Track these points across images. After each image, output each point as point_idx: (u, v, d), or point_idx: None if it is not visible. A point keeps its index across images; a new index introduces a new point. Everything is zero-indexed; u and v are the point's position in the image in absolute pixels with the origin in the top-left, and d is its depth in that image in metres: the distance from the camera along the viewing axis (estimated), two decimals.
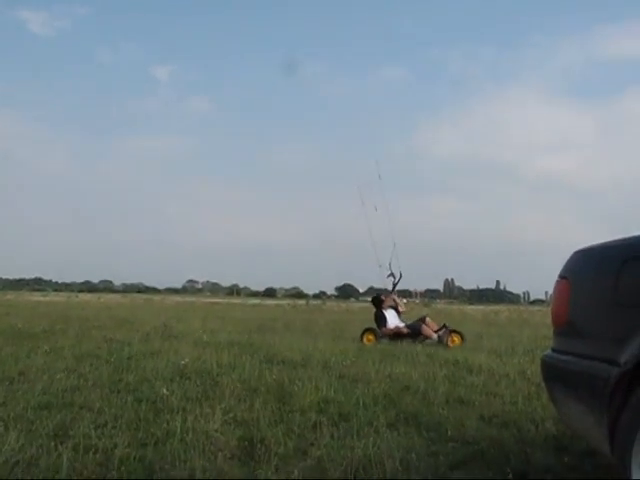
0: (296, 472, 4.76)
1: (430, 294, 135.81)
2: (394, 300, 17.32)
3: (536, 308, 67.84)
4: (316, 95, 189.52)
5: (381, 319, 16.54)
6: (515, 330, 22.64)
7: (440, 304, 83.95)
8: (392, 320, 16.60)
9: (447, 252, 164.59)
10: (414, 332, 15.98)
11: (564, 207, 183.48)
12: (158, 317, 24.16)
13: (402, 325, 16.49)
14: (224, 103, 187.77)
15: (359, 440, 5.68)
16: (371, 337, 16.16)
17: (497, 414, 7.12)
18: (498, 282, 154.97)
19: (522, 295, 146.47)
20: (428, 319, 16.59)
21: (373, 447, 5.38)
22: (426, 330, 15.99)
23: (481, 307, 67.83)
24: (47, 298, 59.92)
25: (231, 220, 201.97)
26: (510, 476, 4.77)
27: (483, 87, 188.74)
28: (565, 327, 4.47)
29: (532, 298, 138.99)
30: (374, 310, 17.07)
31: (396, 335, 15.98)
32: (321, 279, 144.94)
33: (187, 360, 10.14)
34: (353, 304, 67.46)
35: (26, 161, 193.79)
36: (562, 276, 4.50)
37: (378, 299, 17.17)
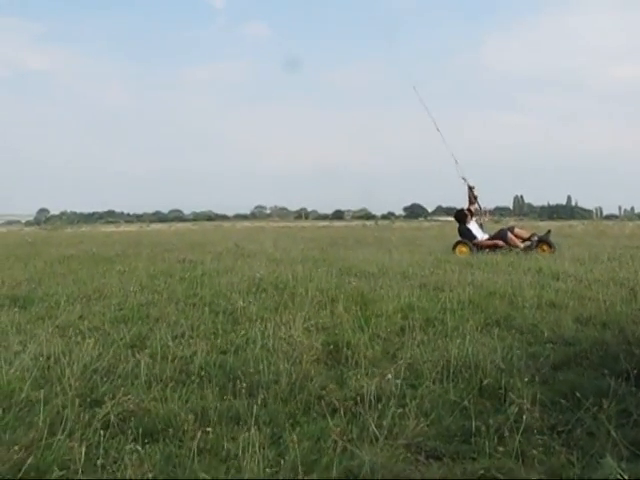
0: (389, 375, 4.43)
1: (499, 212, 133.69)
2: (472, 210, 16.79)
3: (610, 222, 65.96)
4: (377, 9, 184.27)
5: (469, 232, 16.16)
6: (594, 240, 21.79)
7: (510, 221, 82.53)
8: (477, 233, 16.23)
9: (516, 168, 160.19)
10: (504, 241, 15.54)
11: (634, 118, 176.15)
12: (229, 239, 24.14)
13: (486, 237, 16.13)
14: (282, 27, 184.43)
15: (451, 342, 5.33)
16: (464, 249, 15.71)
17: (594, 316, 6.68)
18: (569, 197, 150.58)
19: (594, 211, 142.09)
20: (517, 229, 16.24)
21: (468, 347, 5.02)
22: (512, 239, 15.60)
23: (553, 223, 66.32)
24: (119, 229, 61.07)
25: (296, 144, 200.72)
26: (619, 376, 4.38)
27: None
28: None
29: (605, 213, 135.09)
30: (457, 225, 16.65)
31: (489, 247, 15.53)
32: (389, 200, 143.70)
33: (262, 274, 9.92)
34: (422, 223, 66.87)
35: (86, 96, 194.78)
36: None
37: (462, 213, 16.67)
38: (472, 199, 17.16)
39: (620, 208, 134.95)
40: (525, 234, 16.03)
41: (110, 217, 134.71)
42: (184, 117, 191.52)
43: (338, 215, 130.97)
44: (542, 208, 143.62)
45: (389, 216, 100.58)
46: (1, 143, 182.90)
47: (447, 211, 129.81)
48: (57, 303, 7.96)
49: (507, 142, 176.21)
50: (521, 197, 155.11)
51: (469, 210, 16.73)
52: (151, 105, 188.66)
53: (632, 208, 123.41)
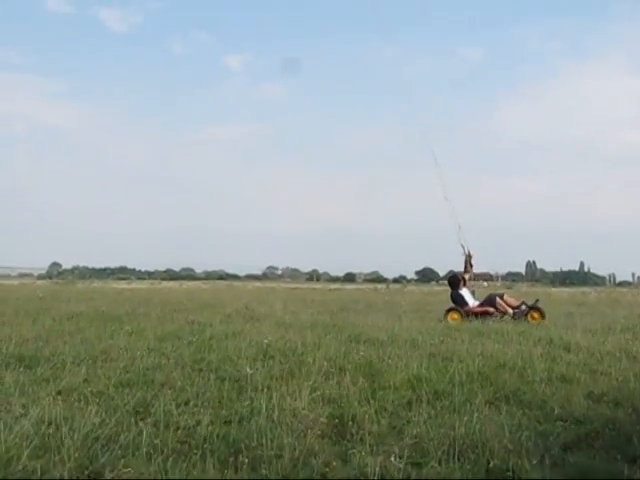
0: (396, 451, 4.34)
1: (512, 277, 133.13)
2: (466, 277, 17.09)
3: (624, 289, 65.48)
4: (393, 77, 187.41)
5: (461, 299, 16.30)
6: (607, 309, 21.60)
7: (523, 287, 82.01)
8: (469, 299, 16.39)
9: (528, 234, 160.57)
10: (493, 306, 15.78)
11: None
12: (239, 300, 24.08)
13: (477, 303, 16.27)
14: (298, 89, 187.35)
15: (459, 418, 5.23)
16: (456, 316, 15.76)
17: (606, 392, 6.55)
18: (582, 263, 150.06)
19: (608, 277, 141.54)
20: (506, 296, 16.38)
21: (476, 425, 4.91)
22: (501, 305, 15.81)
23: (566, 289, 65.86)
24: (131, 285, 61.15)
25: (310, 205, 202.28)
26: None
27: (563, 63, 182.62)
28: None
29: (618, 280, 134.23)
30: (450, 291, 16.84)
31: (479, 313, 15.66)
32: (401, 263, 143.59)
33: (270, 339, 9.84)
34: (434, 287, 66.59)
35: (102, 152, 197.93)
36: None
37: (455, 279, 16.91)
38: (468, 266, 17.42)
39: (634, 275, 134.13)
40: (514, 302, 16.18)
41: (122, 273, 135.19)
42: (199, 175, 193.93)
43: (350, 277, 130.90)
44: (555, 274, 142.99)
45: (400, 279, 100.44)
46: (16, 196, 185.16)
47: (454, 273, 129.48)
48: (63, 364, 7.91)
49: (520, 207, 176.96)
50: (533, 262, 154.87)
51: (463, 277, 16.97)
52: (167, 163, 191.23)
53: None
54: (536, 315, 15.59)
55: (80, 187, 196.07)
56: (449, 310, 16.08)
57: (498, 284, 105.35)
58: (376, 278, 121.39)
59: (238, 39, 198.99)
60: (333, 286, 67.26)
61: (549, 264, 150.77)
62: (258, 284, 77.05)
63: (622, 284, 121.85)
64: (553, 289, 67.94)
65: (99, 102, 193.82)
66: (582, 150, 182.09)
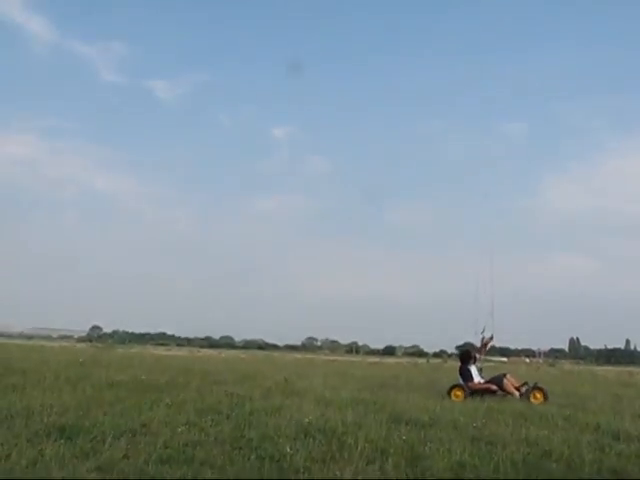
0: None
1: (554, 354, 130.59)
2: (477, 356, 17.43)
3: None
4: (435, 152, 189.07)
5: (468, 374, 16.52)
6: None
7: (566, 364, 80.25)
8: (475, 376, 16.62)
9: (572, 310, 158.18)
10: (499, 387, 16.01)
11: None
12: (279, 372, 23.93)
13: (483, 381, 16.52)
14: (343, 163, 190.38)
15: None
16: (459, 393, 15.99)
17: None
18: (628, 341, 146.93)
19: None
20: (509, 375, 16.56)
21: None
22: (508, 386, 16.00)
23: (610, 368, 64.30)
24: (170, 352, 61.28)
25: (350, 277, 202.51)
26: None
27: (607, 138, 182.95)
28: None
29: None
30: (459, 365, 17.12)
31: (482, 391, 15.96)
32: (441, 337, 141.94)
33: (310, 418, 9.72)
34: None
35: (153, 222, 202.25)
36: None
37: (467, 355, 17.17)
38: (484, 347, 17.83)
39: None
40: (516, 382, 16.31)
41: (161, 339, 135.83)
42: (243, 244, 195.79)
43: (389, 351, 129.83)
44: (599, 351, 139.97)
45: (441, 354, 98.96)
46: (63, 259, 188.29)
47: (500, 352, 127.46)
48: (103, 436, 7.88)
49: (565, 283, 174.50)
50: (577, 339, 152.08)
51: (474, 354, 17.25)
52: (212, 232, 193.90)
53: None
54: (538, 395, 15.68)
55: (125, 253, 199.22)
56: (453, 387, 16.29)
57: (540, 360, 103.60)
58: (416, 352, 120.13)
59: (283, 111, 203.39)
60: (372, 359, 66.61)
61: (593, 341, 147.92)
62: (297, 355, 76.67)
63: None
64: (597, 367, 66.33)
65: (147, 170, 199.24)
66: (629, 227, 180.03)
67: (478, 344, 17.95)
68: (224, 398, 13.10)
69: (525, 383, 16.29)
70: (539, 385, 16.26)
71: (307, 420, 9.49)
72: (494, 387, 16.07)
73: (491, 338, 17.74)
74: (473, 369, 16.70)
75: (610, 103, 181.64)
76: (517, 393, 15.89)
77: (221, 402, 12.23)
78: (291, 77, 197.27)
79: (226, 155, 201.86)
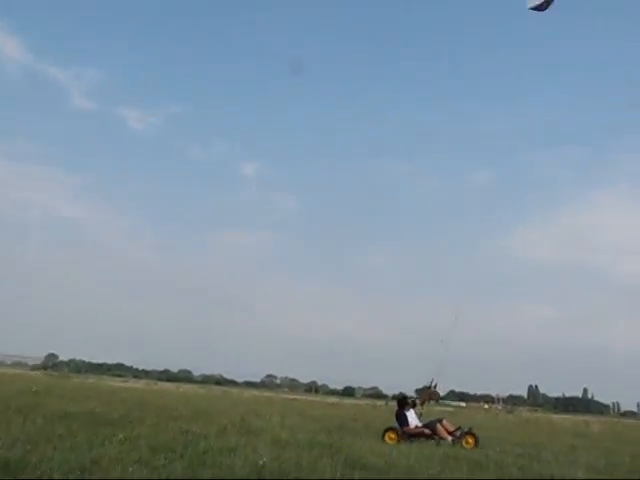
0: None
1: (513, 400, 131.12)
2: (417, 402, 18.12)
3: (629, 421, 64.21)
4: (405, 197, 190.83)
5: (404, 418, 17.06)
6: (611, 444, 21.05)
7: (524, 411, 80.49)
8: (412, 420, 17.11)
9: (533, 358, 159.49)
10: (433, 431, 16.55)
11: None
12: (236, 410, 23.64)
13: (420, 425, 17.01)
14: (312, 202, 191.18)
15: None
16: (393, 436, 16.51)
17: None
18: (585, 390, 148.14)
19: (611, 405, 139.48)
20: (444, 421, 17.03)
21: None
22: (441, 431, 16.54)
23: (568, 416, 64.63)
24: (127, 384, 60.32)
25: (313, 316, 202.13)
26: None
27: (572, 190, 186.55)
28: None
29: (622, 409, 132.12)
30: (397, 409, 17.69)
31: (416, 435, 16.55)
32: (401, 380, 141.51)
33: (265, 459, 9.55)
34: (433, 407, 65.28)
35: (118, 250, 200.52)
36: None
37: (404, 401, 17.76)
38: (425, 397, 18.66)
39: (638, 405, 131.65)
40: (451, 427, 16.80)
41: (119, 370, 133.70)
42: (206, 278, 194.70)
43: (349, 391, 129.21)
44: (557, 399, 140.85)
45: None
46: (22, 283, 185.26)
47: (460, 396, 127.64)
48: (50, 473, 7.65)
49: (525, 330, 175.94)
50: (536, 387, 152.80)
51: (414, 401, 17.99)
52: (176, 264, 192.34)
53: None
54: (470, 440, 16.20)
55: (88, 280, 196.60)
56: (387, 430, 16.85)
57: (499, 407, 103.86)
58: (375, 394, 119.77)
59: (254, 147, 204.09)
60: (331, 400, 66.20)
61: (552, 389, 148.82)
62: (256, 392, 76.00)
63: (626, 414, 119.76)
64: (555, 416, 66.54)
65: (116, 199, 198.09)
66: (591, 277, 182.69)
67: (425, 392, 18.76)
68: (179, 435, 12.85)
69: (459, 428, 16.86)
70: (472, 431, 16.71)
71: (261, 462, 9.32)
72: (428, 431, 16.61)
73: (434, 392, 18.85)
74: (410, 414, 17.31)
75: (577, 156, 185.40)
76: (450, 438, 16.37)
77: (175, 439, 11.99)
78: (263, 115, 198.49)
79: (195, 188, 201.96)
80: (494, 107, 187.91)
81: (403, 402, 17.67)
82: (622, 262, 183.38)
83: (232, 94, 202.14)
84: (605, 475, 11.86)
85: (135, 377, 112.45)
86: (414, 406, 17.75)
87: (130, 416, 16.11)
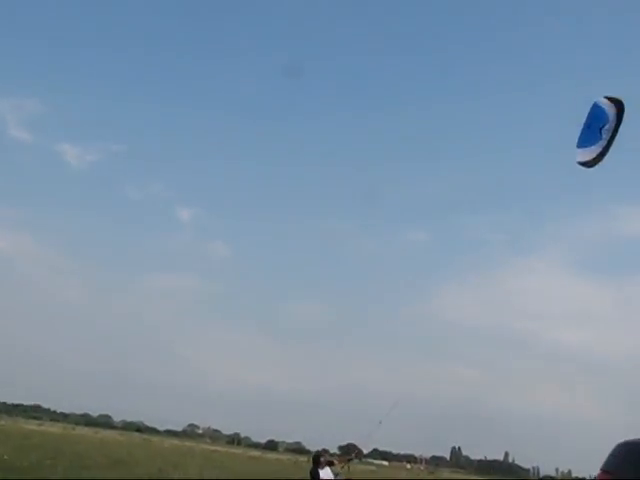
0: None
1: (435, 461, 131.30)
2: (335, 462, 18.14)
3: None
4: (338, 252, 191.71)
5: (316, 476, 16.92)
6: None
7: (445, 472, 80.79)
8: (326, 477, 17.03)
9: (455, 419, 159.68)
10: None
11: (577, 381, 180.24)
12: (154, 461, 23.13)
13: None
14: (244, 250, 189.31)
15: None
16: None
17: None
18: (507, 454, 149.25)
19: (531, 470, 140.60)
20: None
21: None
22: None
23: (489, 478, 65.14)
24: (42, 427, 58.29)
25: (239, 366, 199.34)
26: None
27: (503, 255, 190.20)
28: None
29: (542, 474, 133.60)
30: (311, 467, 17.49)
31: None
32: (325, 436, 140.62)
33: None
34: (356, 466, 64.70)
35: (43, 288, 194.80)
36: (605, 469, 4.02)
37: (319, 458, 17.60)
38: (345, 457, 19.34)
39: (557, 470, 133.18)
40: None
41: (35, 412, 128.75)
42: (132, 321, 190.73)
43: (271, 445, 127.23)
44: (480, 462, 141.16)
45: (323, 453, 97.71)
46: None
47: (383, 455, 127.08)
48: None
49: (449, 391, 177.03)
50: (459, 448, 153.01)
51: (330, 461, 17.82)
52: (101, 304, 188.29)
53: (569, 471, 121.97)
54: None
55: (6, 316, 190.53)
56: None
57: (422, 467, 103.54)
58: (298, 449, 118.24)
59: (189, 192, 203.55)
60: (253, 453, 65.22)
61: (474, 452, 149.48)
62: (176, 442, 74.29)
63: (545, 478, 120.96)
64: (476, 478, 66.79)
65: (46, 234, 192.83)
66: (517, 342, 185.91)
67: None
68: None
69: None
70: None
71: None
72: None
73: (359, 450, 19.70)
74: (323, 472, 17.10)
75: (508, 221, 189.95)
76: None
77: None
78: (201, 160, 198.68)
79: (129, 229, 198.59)
80: (429, 170, 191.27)
81: (316, 460, 17.54)
82: (547, 329, 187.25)
83: (172, 133, 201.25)
84: None
85: (52, 420, 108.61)
86: (331, 465, 17.57)
87: (42, 464, 15.60)
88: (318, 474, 17.03)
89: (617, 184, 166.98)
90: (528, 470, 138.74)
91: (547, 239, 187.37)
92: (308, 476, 17.38)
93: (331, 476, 17.31)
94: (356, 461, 22.89)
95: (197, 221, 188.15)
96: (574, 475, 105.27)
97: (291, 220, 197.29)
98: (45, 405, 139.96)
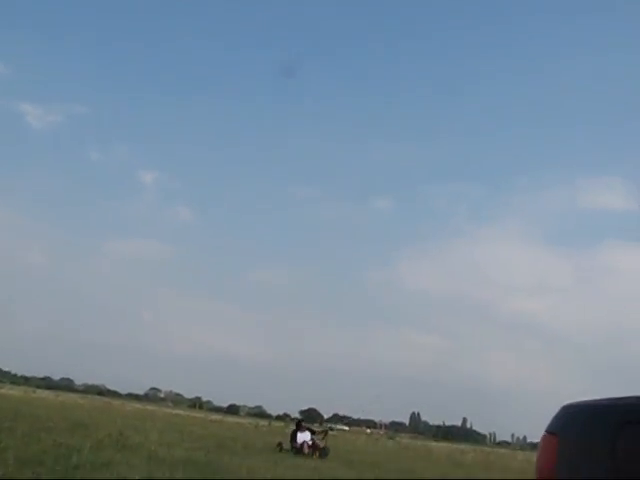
0: None
1: (395, 426, 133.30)
2: (313, 428, 24.86)
3: (502, 450, 66.72)
4: (302, 218, 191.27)
5: (294, 436, 22.88)
6: (481, 473, 21.99)
7: (405, 438, 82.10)
8: (301, 437, 22.63)
9: (416, 385, 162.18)
10: (300, 448, 21.93)
11: (534, 350, 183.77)
12: (115, 423, 23.20)
13: (310, 442, 22.31)
14: (207, 215, 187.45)
15: None
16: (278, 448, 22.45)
17: None
18: (465, 420, 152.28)
19: (488, 435, 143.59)
20: (318, 441, 22.76)
21: None
22: (305, 448, 21.91)
23: (446, 444, 66.45)
24: (2, 390, 57.90)
25: (202, 332, 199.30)
26: None
27: (466, 225, 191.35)
28: None
29: (498, 439, 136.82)
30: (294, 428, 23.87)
31: (297, 449, 22.05)
32: (286, 400, 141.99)
33: (137, 478, 9.49)
34: (316, 429, 65.46)
35: (3, 250, 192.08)
36: (549, 431, 4.14)
37: (299, 424, 24.05)
38: (318, 430, 24.80)
39: (513, 436, 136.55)
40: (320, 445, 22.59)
41: None
42: (95, 285, 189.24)
43: (233, 410, 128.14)
44: (438, 427, 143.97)
45: (284, 417, 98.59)
46: None
47: (343, 419, 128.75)
48: None
49: (409, 358, 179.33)
50: (418, 414, 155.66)
51: (309, 428, 24.24)
52: (63, 268, 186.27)
53: (524, 437, 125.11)
54: (316, 453, 21.57)
55: None
56: (279, 443, 23.00)
57: (381, 432, 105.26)
58: (259, 413, 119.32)
59: (153, 155, 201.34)
60: (215, 417, 65.63)
61: (433, 417, 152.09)
62: (138, 405, 74.42)
63: (501, 443, 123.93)
64: (434, 443, 68.15)
65: (7, 196, 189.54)
66: (476, 310, 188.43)
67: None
68: (51, 448, 12.52)
69: (324, 447, 22.27)
70: (321, 448, 22.09)
71: None
72: (306, 450, 21.76)
73: (326, 431, 24.89)
74: (302, 435, 22.75)
75: (471, 192, 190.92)
76: (307, 451, 21.66)
77: (47, 452, 11.68)
78: (167, 122, 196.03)
79: (91, 192, 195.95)
80: (395, 143, 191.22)
81: (298, 424, 24.02)
82: (507, 299, 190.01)
83: (138, 94, 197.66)
84: None
85: (13, 383, 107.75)
86: (311, 432, 23.36)
87: (0, 426, 15.56)
88: (296, 435, 22.73)
89: (581, 156, 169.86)
90: (485, 436, 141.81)
91: (510, 210, 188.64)
92: (273, 440, 20.60)
93: (307, 438, 22.52)
94: (332, 432, 31.04)
95: (160, 185, 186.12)
96: (529, 440, 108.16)
97: (256, 186, 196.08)
98: (5, 368, 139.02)
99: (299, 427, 23.56)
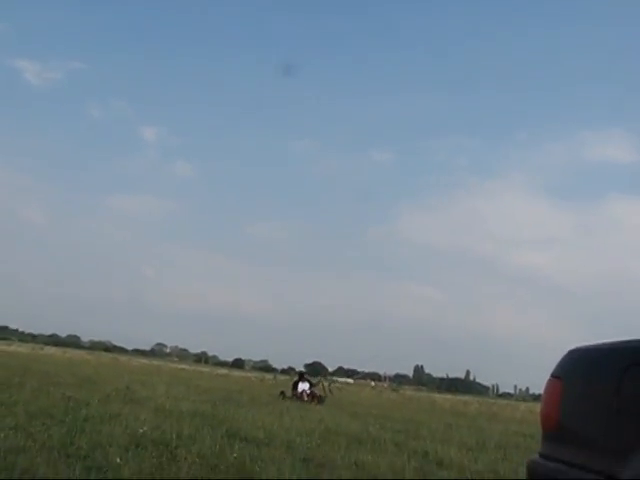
0: None
1: (399, 379, 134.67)
2: (311, 380, 26.97)
3: (505, 402, 67.27)
4: (303, 172, 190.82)
5: (295, 385, 25.62)
6: (485, 423, 22.13)
7: (408, 390, 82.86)
8: (301, 387, 25.23)
9: (419, 338, 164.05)
10: (300, 395, 24.52)
11: (537, 302, 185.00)
12: (122, 378, 23.44)
13: (308, 392, 24.79)
14: (208, 171, 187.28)
15: None
16: (281, 396, 24.65)
17: None
18: (468, 372, 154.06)
19: (491, 387, 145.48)
20: (315, 389, 25.65)
21: None
22: (303, 396, 24.31)
23: (450, 396, 67.04)
24: (11, 348, 58.48)
25: (205, 287, 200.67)
26: None
27: (467, 178, 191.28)
28: (555, 431, 4.06)
29: (501, 391, 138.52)
30: (297, 378, 26.80)
31: (297, 396, 24.48)
32: (291, 354, 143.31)
33: (146, 428, 9.62)
34: (321, 382, 66.07)
35: (4, 209, 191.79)
36: (555, 375, 4.16)
37: (302, 375, 26.90)
38: (314, 382, 26.80)
39: (515, 387, 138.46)
40: (320, 393, 25.58)
41: (3, 333, 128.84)
42: (98, 243, 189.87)
43: (238, 364, 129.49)
44: (441, 379, 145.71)
45: (289, 371, 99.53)
46: None
47: (347, 373, 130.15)
48: None
49: (415, 311, 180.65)
50: (421, 367, 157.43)
51: (308, 379, 26.45)
52: (66, 226, 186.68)
53: (527, 389, 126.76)
54: (315, 401, 23.69)
55: None
56: (281, 391, 25.44)
57: (385, 385, 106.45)
58: (265, 367, 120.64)
59: (154, 111, 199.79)
60: (220, 371, 66.26)
61: (437, 370, 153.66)
62: (144, 361, 75.24)
63: (504, 395, 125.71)
64: (437, 395, 68.86)
65: (6, 154, 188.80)
66: (479, 264, 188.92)
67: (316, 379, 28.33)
68: (60, 402, 12.71)
69: (320, 396, 24.87)
70: (319, 396, 24.74)
71: (142, 430, 9.38)
72: (305, 398, 24.05)
73: (317, 383, 27.24)
74: (301, 384, 25.45)
75: (475, 145, 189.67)
76: (306, 398, 23.92)
77: (56, 406, 11.86)
78: (168, 77, 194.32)
79: (91, 149, 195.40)
80: (395, 96, 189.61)
81: (301, 376, 26.76)
82: (509, 252, 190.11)
83: (135, 51, 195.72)
84: (475, 451, 12.45)
85: (21, 341, 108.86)
86: (310, 384, 25.68)
87: (9, 382, 15.76)
88: (297, 384, 25.56)
89: (584, 109, 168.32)
90: (488, 387, 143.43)
91: (512, 163, 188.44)
92: (277, 393, 25.10)
93: (306, 387, 25.18)
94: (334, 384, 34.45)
95: (161, 141, 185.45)
96: (531, 392, 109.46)
97: (256, 140, 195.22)
98: (13, 326, 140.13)
99: (301, 378, 26.54)
